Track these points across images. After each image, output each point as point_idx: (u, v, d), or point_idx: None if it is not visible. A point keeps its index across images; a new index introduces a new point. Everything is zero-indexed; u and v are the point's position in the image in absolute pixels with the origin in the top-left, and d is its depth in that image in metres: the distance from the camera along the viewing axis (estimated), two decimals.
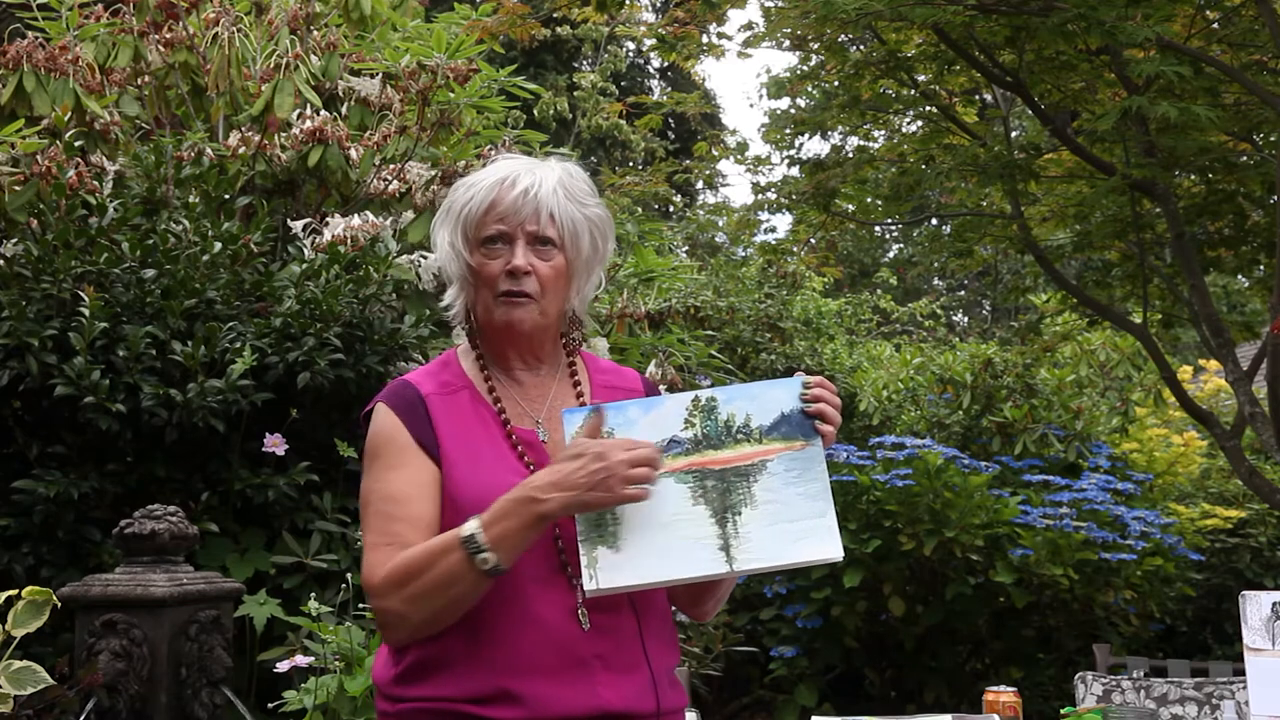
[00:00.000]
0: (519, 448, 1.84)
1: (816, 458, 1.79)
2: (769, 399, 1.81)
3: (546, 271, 1.86)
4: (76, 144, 4.91)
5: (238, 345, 4.11)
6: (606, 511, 1.72)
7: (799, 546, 1.75)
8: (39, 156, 4.55)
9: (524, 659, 1.74)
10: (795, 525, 1.75)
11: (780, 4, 7.19)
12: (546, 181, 1.87)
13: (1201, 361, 10.72)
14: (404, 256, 4.82)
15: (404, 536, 1.75)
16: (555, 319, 1.91)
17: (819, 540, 1.75)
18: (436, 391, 1.87)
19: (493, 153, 5.11)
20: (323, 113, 5.12)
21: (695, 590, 1.92)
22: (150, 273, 4.27)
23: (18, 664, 2.92)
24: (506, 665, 1.74)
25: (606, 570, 1.70)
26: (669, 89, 21.71)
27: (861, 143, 8.66)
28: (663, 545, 1.73)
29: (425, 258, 5.01)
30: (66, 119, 4.88)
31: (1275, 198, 6.44)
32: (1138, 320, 6.89)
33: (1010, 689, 2.89)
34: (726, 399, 1.81)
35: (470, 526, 1.68)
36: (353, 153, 5.11)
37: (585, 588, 1.72)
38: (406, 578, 1.71)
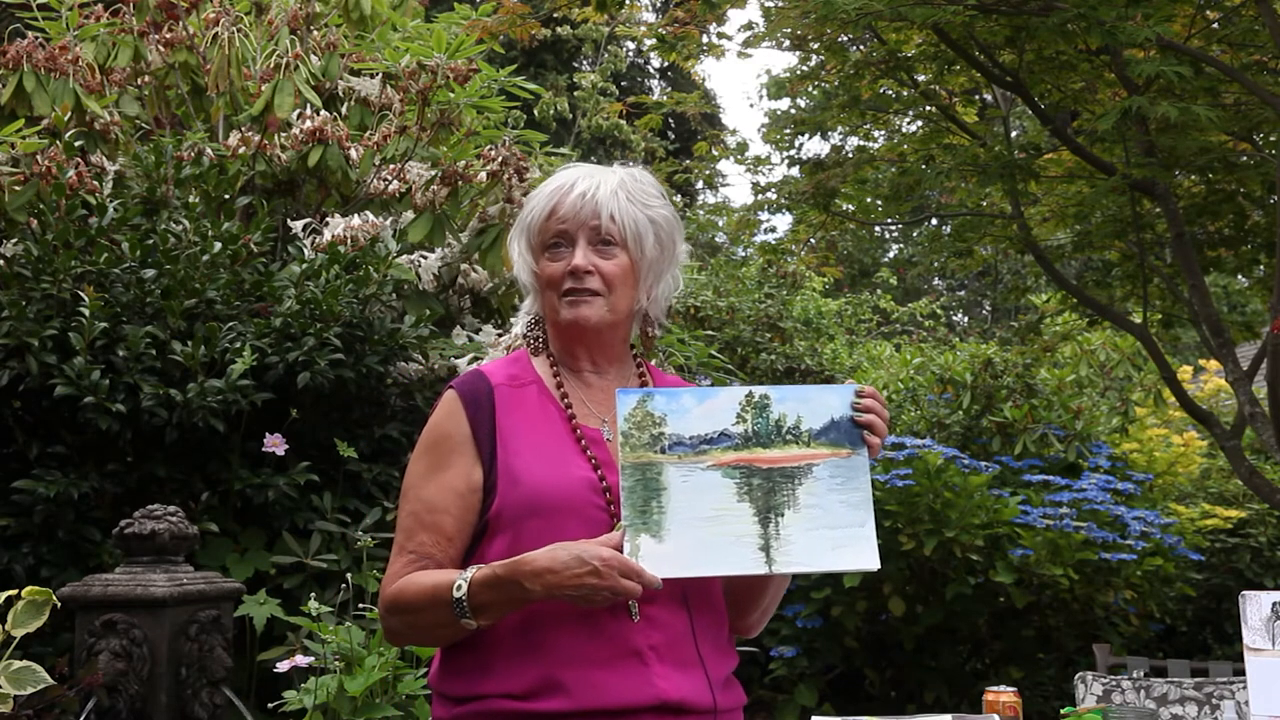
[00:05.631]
0: (582, 441, 1.87)
1: (861, 467, 1.82)
2: (821, 403, 1.84)
3: (610, 269, 1.89)
4: (76, 144, 4.91)
5: (238, 345, 4.11)
6: (652, 499, 1.76)
7: (837, 554, 1.79)
8: (39, 156, 4.55)
9: (572, 649, 1.75)
10: (835, 532, 1.78)
11: (780, 4, 7.18)
12: (606, 184, 1.93)
13: (1201, 361, 10.72)
14: (404, 256, 4.82)
15: (426, 548, 1.84)
16: (624, 317, 1.94)
17: (857, 550, 1.79)
18: (506, 383, 1.91)
19: (492, 152, 5.10)
20: (323, 113, 5.12)
21: (740, 598, 1.93)
22: (150, 273, 4.27)
23: (18, 664, 2.92)
24: (554, 656, 1.75)
25: (649, 560, 1.72)
26: (669, 89, 21.71)
27: (861, 143, 8.65)
28: (705, 540, 1.75)
29: (425, 258, 5.01)
30: (66, 119, 4.88)
31: (1275, 198, 6.43)
32: (1138, 320, 6.89)
33: (1010, 689, 2.88)
34: (780, 398, 1.83)
35: (460, 589, 1.75)
36: (353, 153, 5.11)
37: None
38: (404, 610, 1.83)
